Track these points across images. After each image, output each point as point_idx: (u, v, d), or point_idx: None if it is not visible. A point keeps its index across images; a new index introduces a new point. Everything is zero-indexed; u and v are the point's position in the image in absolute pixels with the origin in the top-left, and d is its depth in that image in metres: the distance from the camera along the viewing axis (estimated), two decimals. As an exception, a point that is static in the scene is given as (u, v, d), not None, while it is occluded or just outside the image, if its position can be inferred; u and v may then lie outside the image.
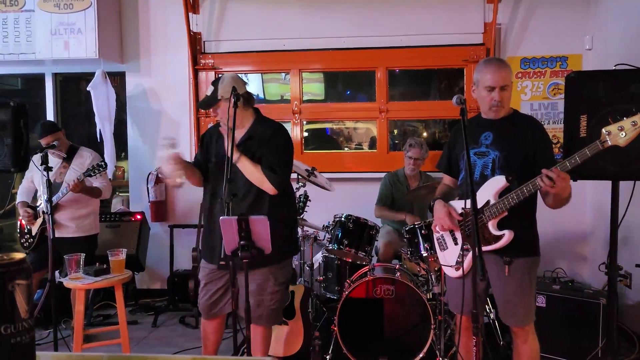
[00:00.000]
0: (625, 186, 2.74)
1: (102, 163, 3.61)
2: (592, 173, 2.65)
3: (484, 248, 2.31)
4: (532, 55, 4.61)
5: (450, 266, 2.55)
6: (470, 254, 2.45)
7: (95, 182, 3.79)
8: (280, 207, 2.67)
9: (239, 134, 2.66)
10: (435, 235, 2.64)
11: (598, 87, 2.61)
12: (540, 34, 4.59)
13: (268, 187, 2.56)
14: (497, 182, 2.35)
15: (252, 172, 2.56)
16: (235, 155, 2.51)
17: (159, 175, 4.64)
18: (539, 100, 4.62)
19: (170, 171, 2.54)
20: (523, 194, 2.27)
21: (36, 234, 3.78)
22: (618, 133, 2.07)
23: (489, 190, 2.37)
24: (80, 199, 3.72)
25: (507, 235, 2.32)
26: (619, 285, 3.26)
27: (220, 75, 2.72)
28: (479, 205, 2.38)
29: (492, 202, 2.34)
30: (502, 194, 2.34)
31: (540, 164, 2.33)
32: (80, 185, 3.50)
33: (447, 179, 2.77)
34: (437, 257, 2.70)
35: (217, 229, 2.63)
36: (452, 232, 2.56)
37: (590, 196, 4.50)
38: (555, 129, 4.57)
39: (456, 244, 2.54)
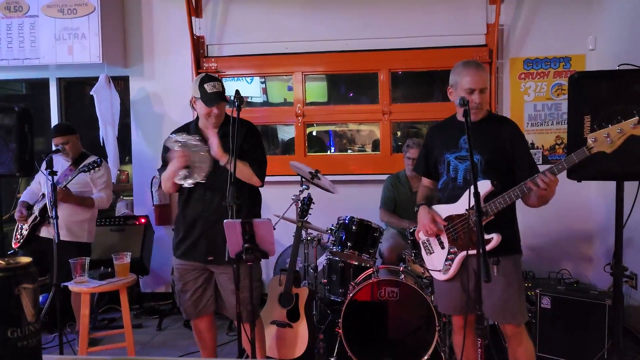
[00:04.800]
0: (630, 186, 2.73)
1: (98, 160, 3.61)
2: (596, 173, 2.64)
3: (472, 252, 2.33)
4: (535, 56, 4.60)
5: (438, 270, 2.56)
6: (457, 258, 2.47)
7: (95, 190, 3.80)
8: (255, 205, 2.84)
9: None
10: (421, 240, 2.65)
11: (601, 87, 2.60)
12: (543, 35, 4.58)
13: (255, 181, 2.72)
14: (483, 186, 2.34)
15: (241, 170, 2.64)
16: (225, 158, 2.59)
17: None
18: (543, 101, 4.61)
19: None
20: (510, 199, 2.32)
21: (26, 230, 3.79)
22: (604, 140, 2.10)
23: (469, 196, 2.36)
24: (72, 205, 3.70)
25: (496, 239, 2.34)
26: (625, 286, 3.25)
27: (213, 74, 2.74)
28: (464, 210, 2.42)
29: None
30: (487, 197, 2.35)
31: (518, 163, 2.41)
32: (63, 192, 3.46)
33: (426, 181, 2.78)
34: (424, 261, 2.71)
35: (197, 227, 2.73)
36: (437, 236, 2.57)
37: (595, 196, 4.48)
38: (558, 130, 4.57)
39: (442, 247, 2.55)
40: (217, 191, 2.66)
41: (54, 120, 5.16)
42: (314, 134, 5.37)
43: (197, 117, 2.81)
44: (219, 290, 2.81)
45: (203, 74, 2.74)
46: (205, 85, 2.64)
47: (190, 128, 2.81)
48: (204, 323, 2.88)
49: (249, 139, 2.73)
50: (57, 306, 3.08)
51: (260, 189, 2.86)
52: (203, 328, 2.89)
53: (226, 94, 2.74)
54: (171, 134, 2.78)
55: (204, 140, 2.67)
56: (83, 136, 4.08)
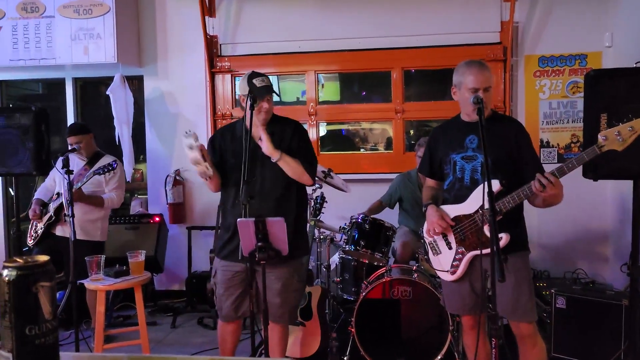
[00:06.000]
0: (647, 185, 2.69)
1: (113, 164, 3.65)
2: (613, 172, 2.61)
3: (484, 251, 2.31)
4: (551, 53, 4.55)
5: (446, 271, 2.55)
6: (465, 258, 2.47)
7: (107, 189, 3.84)
8: (302, 204, 2.81)
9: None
10: (428, 240, 2.64)
11: (618, 85, 2.57)
12: (558, 32, 4.52)
13: (306, 179, 2.67)
14: (492, 186, 2.33)
15: (294, 168, 2.62)
16: (277, 155, 2.57)
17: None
18: (558, 99, 4.56)
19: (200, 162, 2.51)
20: (520, 198, 2.31)
21: (41, 228, 3.84)
22: (615, 138, 2.10)
23: (483, 195, 2.34)
24: (85, 205, 3.74)
25: (505, 238, 2.33)
26: (642, 286, 3.20)
27: (251, 71, 2.69)
28: (472, 210, 2.42)
29: (486, 206, 2.32)
30: (495, 197, 2.33)
31: (523, 162, 2.39)
32: (76, 193, 3.48)
33: (430, 182, 2.76)
34: (430, 262, 2.69)
35: None
36: (445, 237, 2.56)
37: (611, 195, 4.42)
38: (574, 128, 4.51)
39: (450, 248, 2.54)
40: (264, 192, 2.63)
41: (70, 119, 5.22)
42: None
43: (244, 115, 2.72)
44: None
45: (249, 71, 2.68)
46: (254, 81, 2.59)
47: (236, 126, 2.78)
48: (232, 327, 2.82)
49: (297, 138, 2.71)
50: (73, 303, 3.12)
51: None
52: (229, 331, 2.82)
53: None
54: (216, 131, 2.78)
55: (253, 138, 2.60)
56: (99, 135, 4.12)
